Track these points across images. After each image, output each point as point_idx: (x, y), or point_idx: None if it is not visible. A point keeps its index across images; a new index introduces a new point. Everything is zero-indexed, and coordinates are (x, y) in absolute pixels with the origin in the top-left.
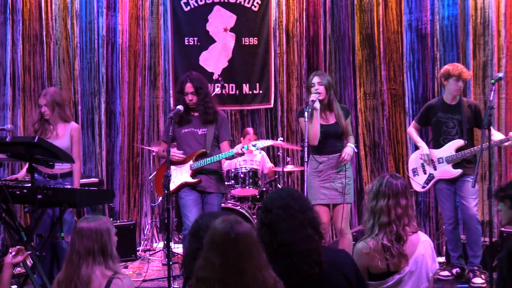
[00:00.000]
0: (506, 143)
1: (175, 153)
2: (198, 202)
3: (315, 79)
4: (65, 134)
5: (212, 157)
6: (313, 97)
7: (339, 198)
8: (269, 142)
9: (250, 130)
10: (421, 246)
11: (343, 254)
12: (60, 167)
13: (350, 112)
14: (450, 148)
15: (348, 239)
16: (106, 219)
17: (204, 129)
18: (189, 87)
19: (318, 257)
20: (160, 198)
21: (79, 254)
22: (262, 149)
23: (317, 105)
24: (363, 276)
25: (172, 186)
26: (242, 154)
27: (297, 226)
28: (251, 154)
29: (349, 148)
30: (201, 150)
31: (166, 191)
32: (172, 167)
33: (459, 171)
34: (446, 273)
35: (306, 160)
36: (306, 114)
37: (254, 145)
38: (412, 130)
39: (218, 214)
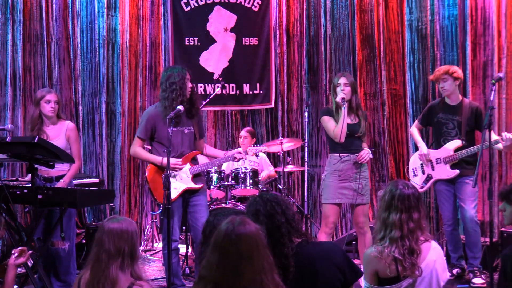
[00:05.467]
0: (498, 144)
1: (175, 164)
2: (180, 207)
3: (342, 80)
4: (60, 135)
5: (212, 162)
6: (341, 95)
7: (357, 198)
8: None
9: (244, 129)
10: (432, 252)
11: (332, 246)
12: (57, 170)
13: (367, 118)
14: (448, 148)
15: (368, 237)
16: (131, 220)
17: (190, 127)
18: (189, 76)
19: (286, 261)
20: (161, 207)
21: (109, 253)
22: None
23: (346, 103)
24: (355, 264)
25: (175, 193)
26: (238, 159)
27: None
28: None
29: (367, 150)
30: (195, 152)
31: (166, 191)
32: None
33: (456, 172)
34: None
35: (306, 160)
36: (306, 112)
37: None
38: (414, 130)
39: (229, 213)
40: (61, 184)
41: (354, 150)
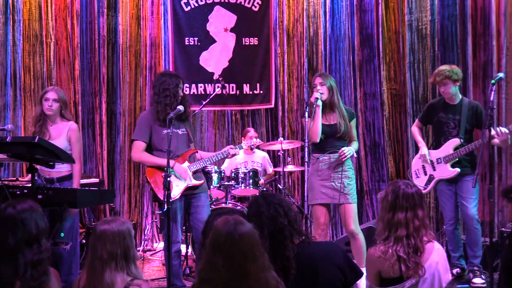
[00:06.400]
0: (494, 140)
1: (186, 173)
2: (182, 209)
3: (317, 80)
4: (61, 135)
5: (209, 158)
6: (315, 95)
7: (340, 198)
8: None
9: (250, 129)
10: (435, 253)
11: (333, 246)
12: (58, 171)
13: (355, 115)
14: (447, 147)
15: (360, 239)
16: (126, 219)
17: (183, 129)
18: (182, 84)
19: (287, 262)
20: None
21: (102, 259)
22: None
23: (319, 102)
24: (355, 264)
25: (177, 191)
26: (234, 154)
27: (265, 235)
28: (251, 155)
29: (349, 147)
30: (192, 150)
31: (166, 191)
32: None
33: (456, 170)
34: None
35: (307, 160)
36: (306, 113)
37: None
38: (415, 129)
39: (227, 213)
40: None
41: (331, 151)
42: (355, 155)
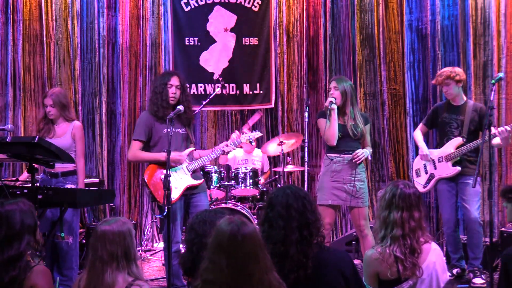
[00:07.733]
0: (495, 139)
1: (181, 157)
2: (182, 209)
3: (332, 84)
4: (66, 133)
5: (207, 156)
6: (329, 99)
7: (350, 201)
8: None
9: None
10: (433, 254)
11: (342, 254)
12: (62, 166)
13: (369, 120)
14: (449, 146)
15: (369, 240)
16: (126, 220)
17: (183, 129)
18: (175, 80)
19: (306, 260)
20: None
21: (102, 260)
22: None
23: (334, 106)
24: (360, 277)
25: (177, 193)
26: (229, 151)
27: (292, 228)
28: (251, 154)
29: (364, 150)
30: (191, 149)
31: (166, 191)
32: (163, 171)
33: (457, 169)
34: None
35: (306, 160)
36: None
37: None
38: (418, 133)
39: (216, 210)
40: None
41: (346, 151)
42: (369, 157)
